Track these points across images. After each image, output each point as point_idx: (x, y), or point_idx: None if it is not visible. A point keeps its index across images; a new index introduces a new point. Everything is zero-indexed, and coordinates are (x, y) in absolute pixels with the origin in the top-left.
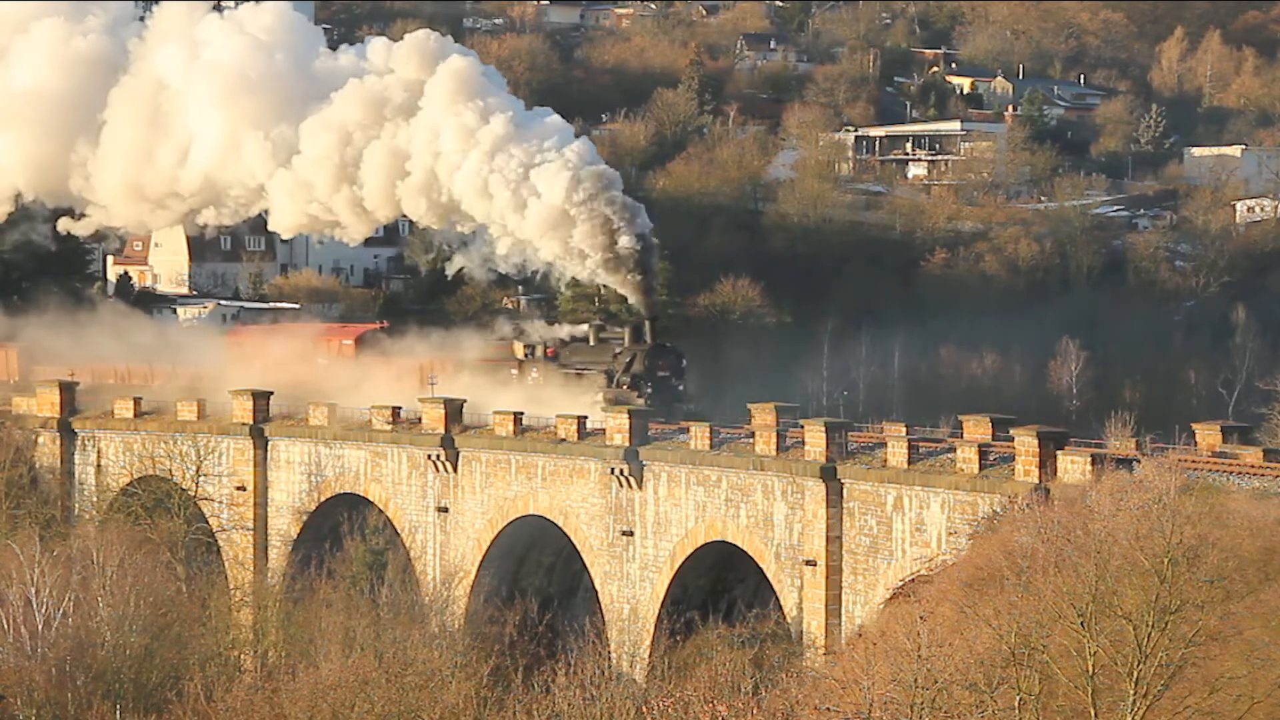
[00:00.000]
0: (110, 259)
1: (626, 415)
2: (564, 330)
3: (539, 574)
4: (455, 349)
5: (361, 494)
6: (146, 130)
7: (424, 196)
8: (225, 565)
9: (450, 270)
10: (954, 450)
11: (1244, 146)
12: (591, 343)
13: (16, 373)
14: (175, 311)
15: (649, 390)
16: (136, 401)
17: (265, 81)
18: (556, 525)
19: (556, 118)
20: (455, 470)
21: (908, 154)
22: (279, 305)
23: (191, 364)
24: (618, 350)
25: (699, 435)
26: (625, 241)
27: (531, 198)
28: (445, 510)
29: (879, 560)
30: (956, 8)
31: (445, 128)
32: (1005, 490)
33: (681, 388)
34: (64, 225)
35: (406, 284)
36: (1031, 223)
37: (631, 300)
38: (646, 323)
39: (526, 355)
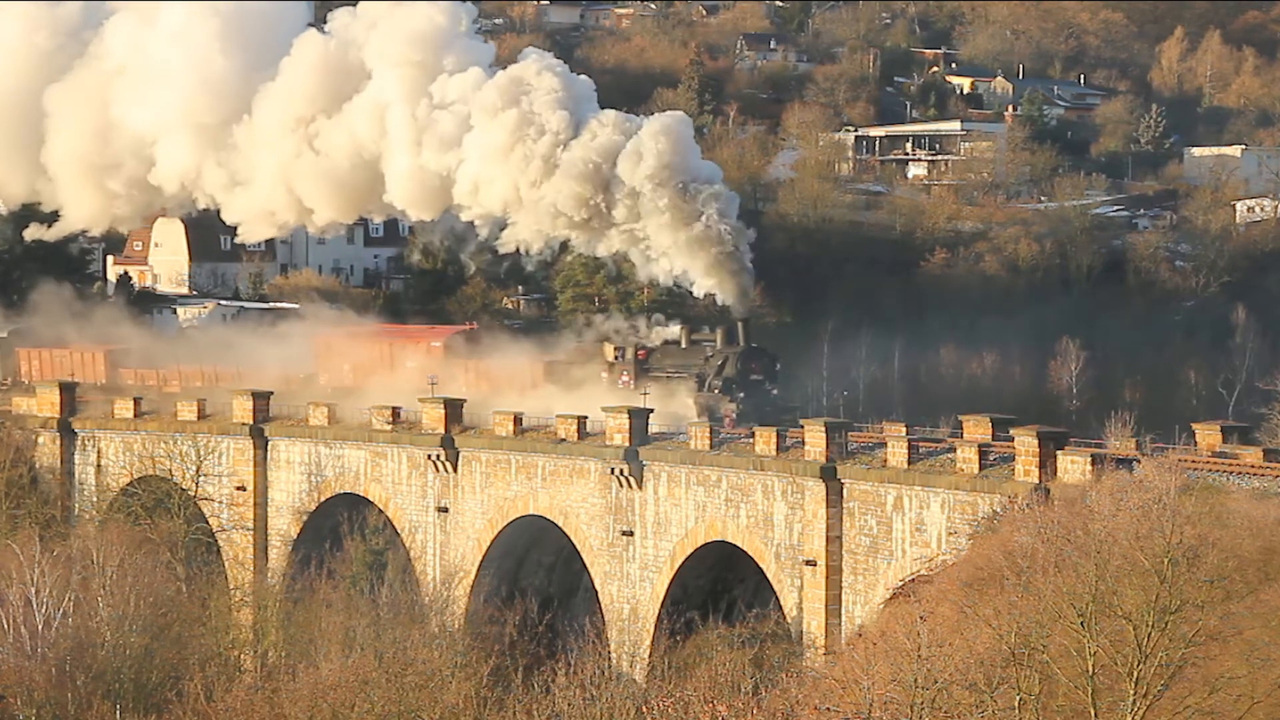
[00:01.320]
0: (110, 259)
1: (626, 415)
2: (657, 332)
3: (539, 574)
4: (545, 351)
5: (361, 494)
6: (99, 118)
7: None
8: (225, 565)
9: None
10: (954, 450)
11: (1244, 146)
12: (683, 345)
13: (104, 375)
14: (175, 311)
15: (741, 395)
16: (136, 402)
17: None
18: (556, 525)
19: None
20: (455, 470)
21: (908, 154)
22: (279, 305)
23: (280, 367)
24: (709, 353)
25: (699, 435)
26: (718, 240)
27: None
28: (445, 510)
29: (879, 560)
30: (956, 8)
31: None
32: (1005, 490)
33: (775, 391)
34: (31, 233)
35: (406, 284)
36: (1031, 223)
37: (724, 300)
38: (739, 324)
39: (616, 358)
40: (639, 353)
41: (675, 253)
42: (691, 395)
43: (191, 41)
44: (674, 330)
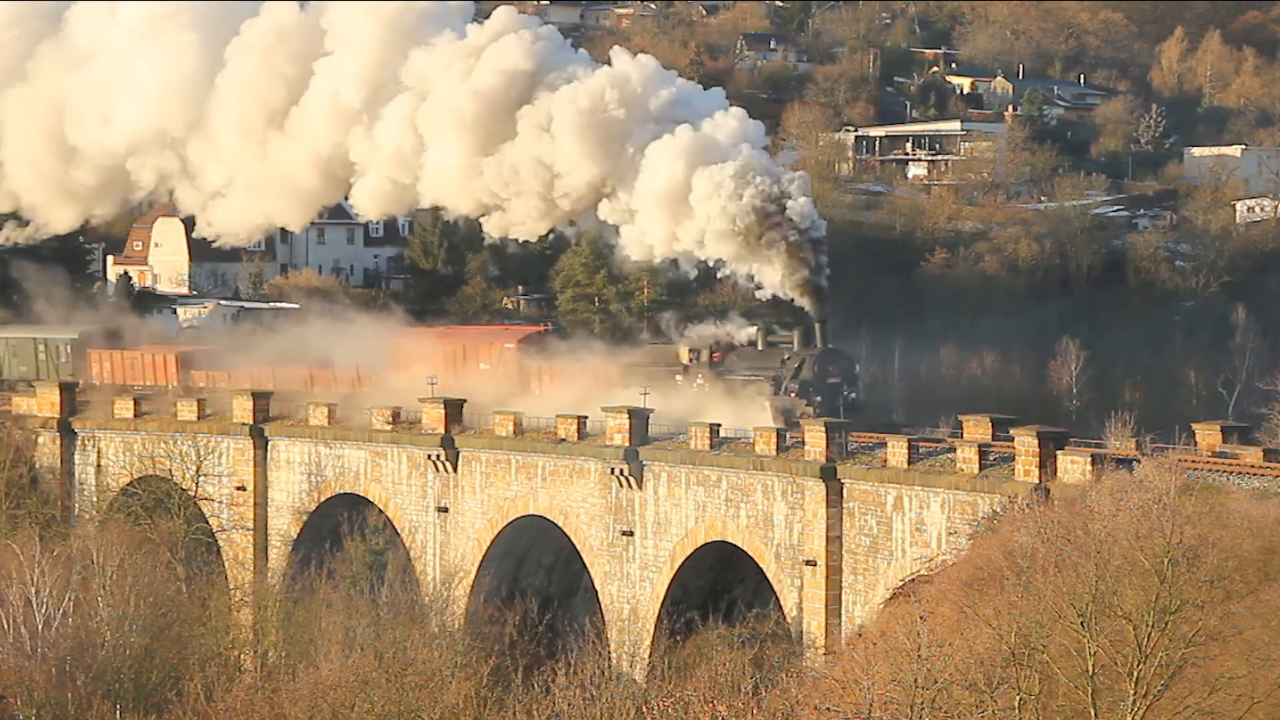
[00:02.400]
0: (110, 259)
1: (626, 415)
2: (735, 334)
3: (539, 574)
4: (621, 352)
5: (361, 494)
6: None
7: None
8: (225, 565)
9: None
10: (954, 450)
11: (1244, 146)
12: (759, 347)
13: (175, 378)
14: (175, 311)
15: (818, 399)
16: (136, 402)
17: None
18: (556, 525)
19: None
20: (455, 470)
21: (908, 154)
22: (279, 305)
23: (352, 368)
24: (785, 355)
25: (699, 435)
26: (795, 239)
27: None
28: (445, 510)
29: (879, 560)
30: (956, 8)
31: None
32: (1005, 490)
33: (854, 395)
34: (8, 235)
35: (406, 284)
36: (1031, 223)
37: (800, 301)
38: (816, 325)
39: (692, 360)
40: (714, 355)
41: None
42: (767, 399)
43: (160, 39)
44: (751, 331)
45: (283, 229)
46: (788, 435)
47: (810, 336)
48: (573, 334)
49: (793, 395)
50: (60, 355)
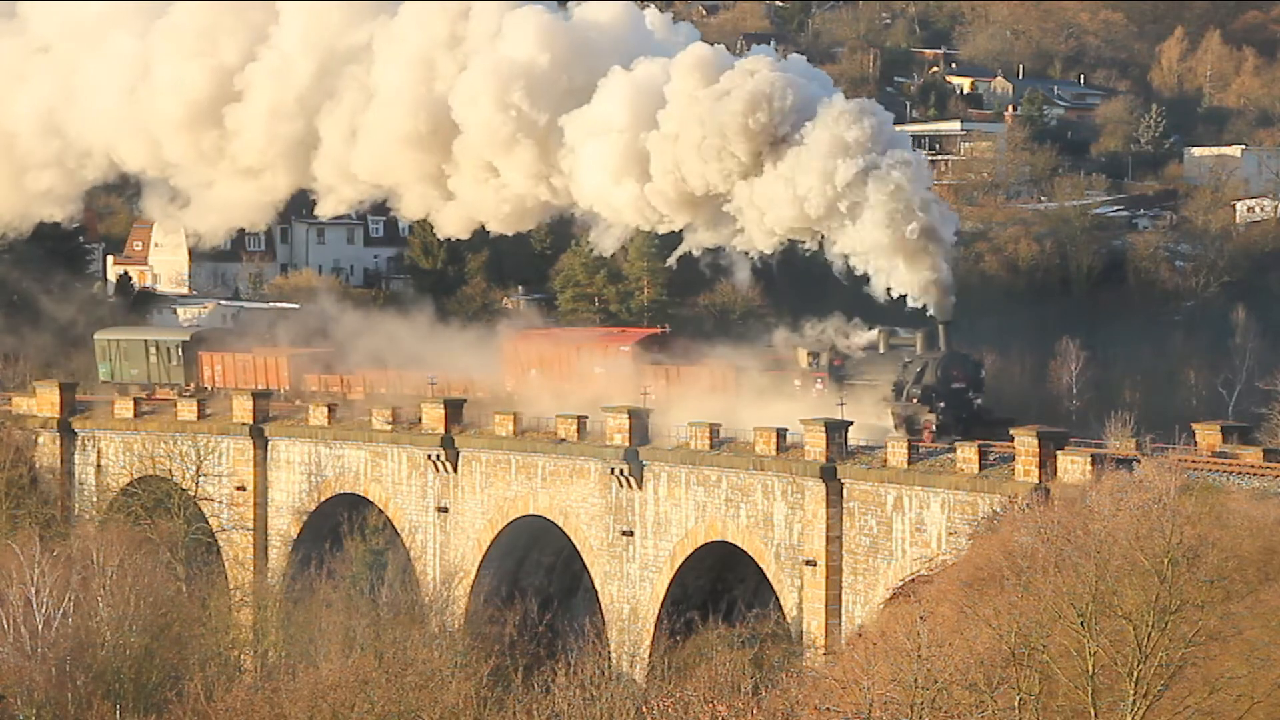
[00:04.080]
0: (110, 259)
1: (626, 415)
2: (857, 336)
3: (539, 574)
4: (739, 356)
5: (361, 494)
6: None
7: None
8: (225, 565)
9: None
10: (954, 450)
11: (1244, 146)
12: (881, 350)
13: (287, 381)
14: (175, 311)
15: (941, 405)
16: (136, 402)
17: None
18: (556, 525)
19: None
20: (455, 470)
21: None
22: (279, 305)
23: (464, 371)
24: (907, 359)
25: (698, 435)
26: (920, 235)
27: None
28: (445, 510)
29: (879, 560)
30: (956, 8)
31: None
32: (1005, 490)
33: (979, 401)
34: None
35: (406, 284)
36: (1031, 223)
37: (924, 300)
38: (940, 327)
39: (811, 364)
40: (834, 359)
41: (877, 251)
42: (888, 405)
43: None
44: (872, 334)
45: (283, 228)
46: (920, 448)
47: (933, 339)
48: (689, 336)
49: (914, 401)
50: (171, 358)
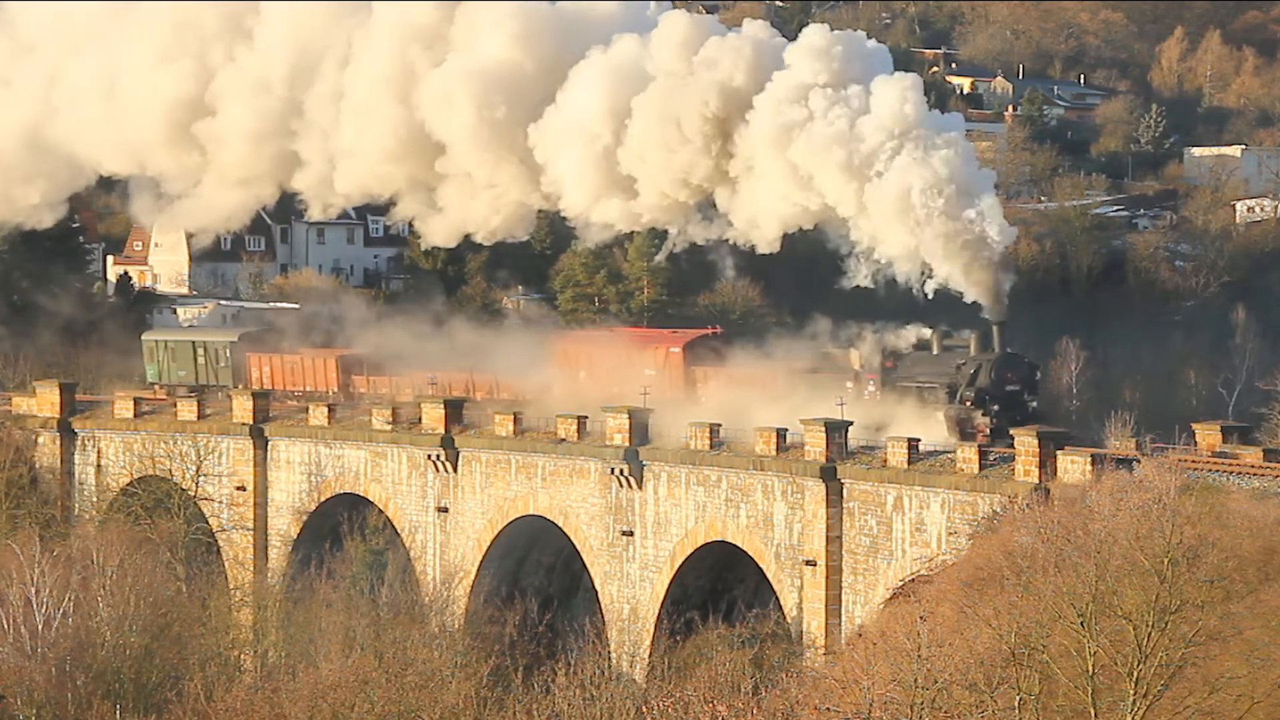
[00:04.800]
0: (110, 259)
1: (626, 415)
2: (908, 337)
3: (539, 574)
4: (791, 358)
5: (361, 494)
6: None
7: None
8: (225, 565)
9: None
10: (954, 450)
11: (1244, 146)
12: (934, 351)
13: (335, 383)
14: (175, 311)
15: (995, 408)
16: (136, 402)
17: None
18: (556, 525)
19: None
20: (455, 470)
21: None
22: (279, 305)
23: (513, 375)
24: (960, 361)
25: (698, 435)
26: (972, 232)
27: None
28: (445, 510)
29: (879, 560)
30: (956, 8)
31: None
32: (1005, 490)
33: (1034, 404)
34: None
35: (406, 284)
36: (1031, 223)
37: (976, 298)
38: (994, 328)
39: (863, 366)
40: (887, 361)
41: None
42: (941, 408)
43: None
44: (925, 333)
45: (283, 228)
46: (992, 454)
47: (988, 340)
48: (740, 337)
49: (968, 404)
50: (219, 359)
